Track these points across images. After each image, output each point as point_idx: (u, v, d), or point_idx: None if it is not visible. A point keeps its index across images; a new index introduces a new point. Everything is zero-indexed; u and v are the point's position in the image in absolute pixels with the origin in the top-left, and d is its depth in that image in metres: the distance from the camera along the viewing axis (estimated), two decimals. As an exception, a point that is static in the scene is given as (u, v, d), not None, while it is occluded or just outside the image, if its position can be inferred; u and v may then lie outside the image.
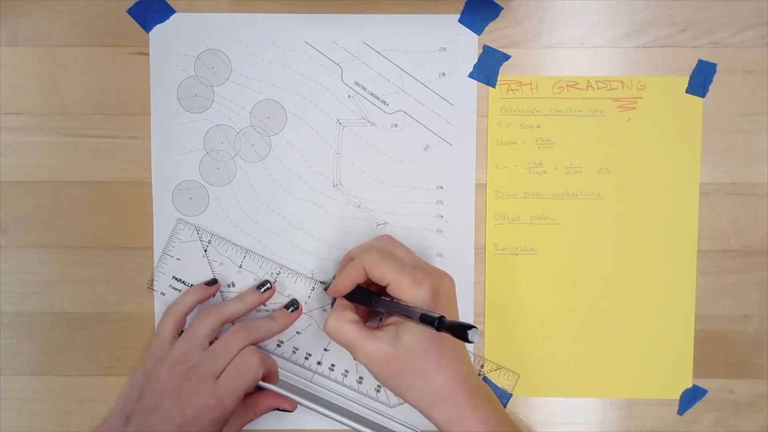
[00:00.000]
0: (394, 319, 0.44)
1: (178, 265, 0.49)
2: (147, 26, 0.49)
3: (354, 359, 0.44)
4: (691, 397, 0.50)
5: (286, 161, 0.50)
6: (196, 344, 0.45)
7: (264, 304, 0.49)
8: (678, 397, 0.50)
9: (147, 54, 0.49)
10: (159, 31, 0.49)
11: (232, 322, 0.47)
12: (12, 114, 0.49)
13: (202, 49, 0.49)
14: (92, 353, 0.50)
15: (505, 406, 0.50)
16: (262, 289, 0.48)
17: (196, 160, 0.50)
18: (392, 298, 0.44)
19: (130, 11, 0.49)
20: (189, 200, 0.50)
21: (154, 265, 0.50)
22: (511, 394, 0.50)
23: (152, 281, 0.49)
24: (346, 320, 0.44)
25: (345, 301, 0.46)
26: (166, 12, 0.49)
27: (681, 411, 0.50)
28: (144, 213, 0.50)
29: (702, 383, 0.50)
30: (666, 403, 0.50)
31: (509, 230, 0.50)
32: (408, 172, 0.50)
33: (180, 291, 0.49)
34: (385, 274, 0.43)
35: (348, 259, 0.47)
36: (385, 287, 0.44)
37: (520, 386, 0.50)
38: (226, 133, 0.49)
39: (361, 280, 0.45)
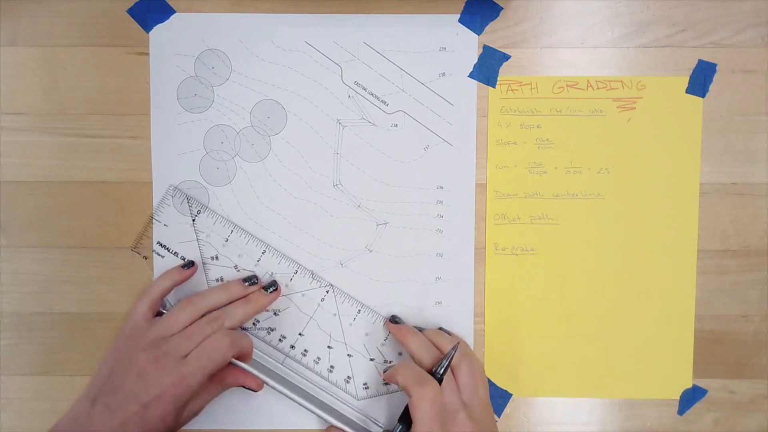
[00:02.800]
0: None
1: (164, 231, 0.49)
2: (147, 26, 0.49)
3: None
4: (691, 397, 0.50)
5: (286, 161, 0.50)
6: (171, 331, 0.44)
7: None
8: (678, 397, 0.50)
9: (147, 54, 0.49)
10: (159, 31, 0.49)
11: None
12: (12, 114, 0.49)
13: (202, 49, 0.49)
14: (92, 353, 0.50)
15: (504, 407, 0.50)
16: (248, 283, 0.48)
17: (196, 160, 0.50)
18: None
19: (130, 11, 0.49)
20: (189, 200, 0.50)
21: (142, 228, 0.50)
22: (511, 395, 0.50)
23: (137, 244, 0.49)
24: None
25: None
26: (166, 12, 0.49)
27: (681, 411, 0.50)
28: (144, 213, 0.50)
29: (702, 383, 0.50)
30: (666, 403, 0.50)
31: (509, 230, 0.50)
32: (408, 172, 0.50)
33: (163, 257, 0.49)
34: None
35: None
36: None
37: (520, 386, 0.50)
38: (226, 133, 0.49)
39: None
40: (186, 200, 0.49)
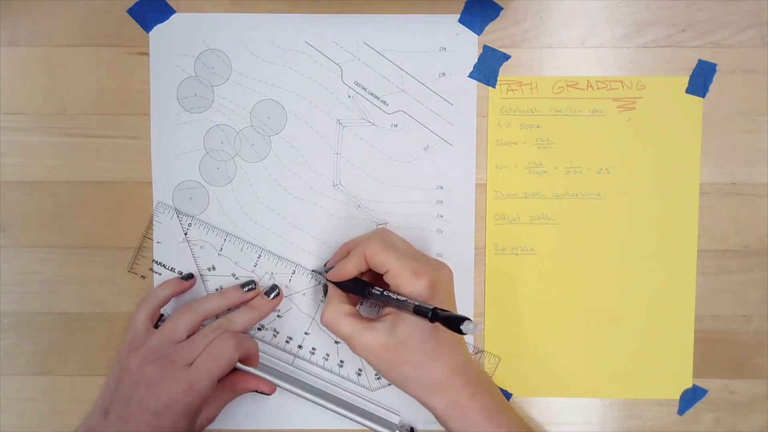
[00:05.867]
0: (391, 309, 0.44)
1: (158, 249, 0.49)
2: (147, 26, 0.49)
3: (352, 351, 0.44)
4: (691, 397, 0.50)
5: (286, 161, 0.50)
6: (172, 338, 0.44)
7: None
8: (678, 397, 0.50)
9: (147, 54, 0.49)
10: (159, 31, 0.49)
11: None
12: (12, 114, 0.49)
13: (202, 49, 0.49)
14: (92, 353, 0.50)
15: (505, 406, 0.50)
16: (246, 288, 0.48)
17: (196, 160, 0.50)
18: (387, 289, 0.44)
19: (130, 11, 0.49)
20: (189, 200, 0.50)
21: (136, 248, 0.50)
22: (511, 395, 0.50)
23: (133, 264, 0.49)
24: (342, 313, 0.44)
25: (339, 292, 0.46)
26: (166, 12, 0.49)
27: (681, 411, 0.50)
28: (144, 213, 0.50)
29: (702, 383, 0.50)
30: (666, 403, 0.50)
31: (509, 230, 0.50)
32: (408, 172, 0.50)
33: (160, 274, 0.49)
34: (385, 262, 0.43)
35: (345, 251, 0.47)
36: (383, 277, 0.44)
37: (520, 386, 0.50)
38: (226, 133, 0.49)
39: (362, 269, 0.45)
40: (176, 214, 0.49)
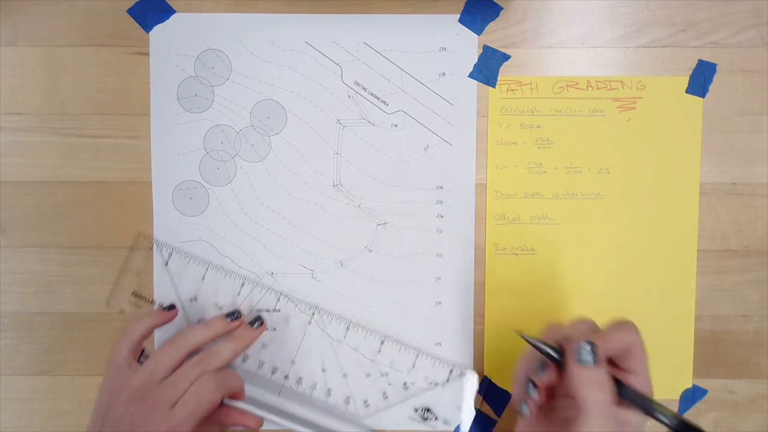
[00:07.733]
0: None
1: (137, 281, 0.49)
2: (147, 26, 0.49)
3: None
4: (691, 397, 0.50)
5: (286, 161, 0.50)
6: (156, 377, 0.43)
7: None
8: (678, 397, 0.50)
9: (147, 54, 0.49)
10: (159, 31, 0.49)
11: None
12: (12, 114, 0.49)
13: (202, 49, 0.49)
14: (92, 353, 0.50)
15: (505, 407, 0.50)
16: (230, 318, 0.47)
17: (196, 160, 0.50)
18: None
19: (130, 11, 0.49)
20: (189, 200, 0.50)
21: (113, 282, 0.49)
22: (511, 394, 0.50)
23: (110, 300, 0.49)
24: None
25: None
26: (166, 12, 0.49)
27: (681, 411, 0.50)
28: (144, 213, 0.50)
29: (702, 383, 0.50)
30: (666, 403, 0.50)
31: (509, 230, 0.50)
32: (408, 172, 0.50)
33: (140, 307, 0.49)
34: (644, 362, 0.39)
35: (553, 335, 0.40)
36: (625, 375, 0.39)
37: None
38: (226, 133, 0.49)
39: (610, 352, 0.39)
40: (156, 244, 0.49)
